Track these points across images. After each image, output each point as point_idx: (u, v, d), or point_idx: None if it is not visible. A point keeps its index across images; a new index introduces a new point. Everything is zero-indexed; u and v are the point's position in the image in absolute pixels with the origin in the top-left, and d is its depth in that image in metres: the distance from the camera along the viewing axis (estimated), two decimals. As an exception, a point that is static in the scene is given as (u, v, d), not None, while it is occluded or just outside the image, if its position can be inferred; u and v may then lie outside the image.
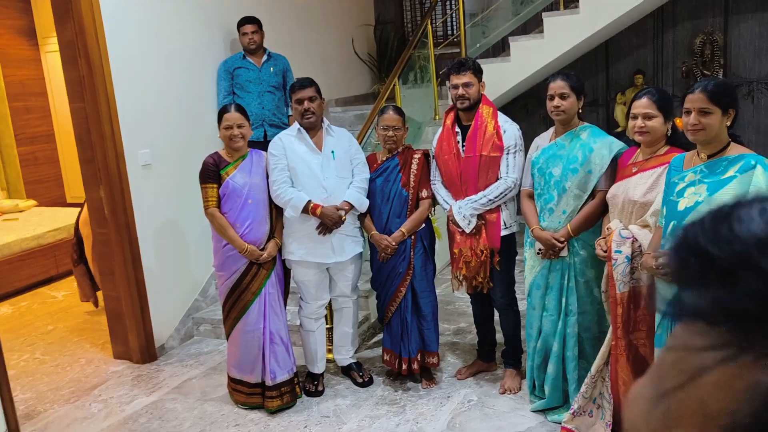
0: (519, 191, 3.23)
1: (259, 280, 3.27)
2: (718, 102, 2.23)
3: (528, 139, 3.23)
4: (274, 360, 3.33)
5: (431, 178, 3.40)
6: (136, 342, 4.05)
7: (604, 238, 2.73)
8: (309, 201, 3.23)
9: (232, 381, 3.43)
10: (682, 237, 0.35)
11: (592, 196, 2.92)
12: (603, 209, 2.89)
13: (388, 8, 6.91)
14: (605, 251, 2.70)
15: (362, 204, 3.36)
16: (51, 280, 5.87)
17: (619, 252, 2.63)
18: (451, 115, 3.31)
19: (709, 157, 2.28)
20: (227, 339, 3.42)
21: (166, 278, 4.23)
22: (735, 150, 2.26)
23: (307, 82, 3.31)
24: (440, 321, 3.73)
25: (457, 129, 3.27)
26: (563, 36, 5.09)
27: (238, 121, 3.22)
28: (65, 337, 4.61)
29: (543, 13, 5.23)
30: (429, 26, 5.31)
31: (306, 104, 3.28)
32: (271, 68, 4.66)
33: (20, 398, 3.67)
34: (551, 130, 3.09)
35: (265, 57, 4.65)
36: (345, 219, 3.30)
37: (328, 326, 3.73)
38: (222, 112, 3.27)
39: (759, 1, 5.48)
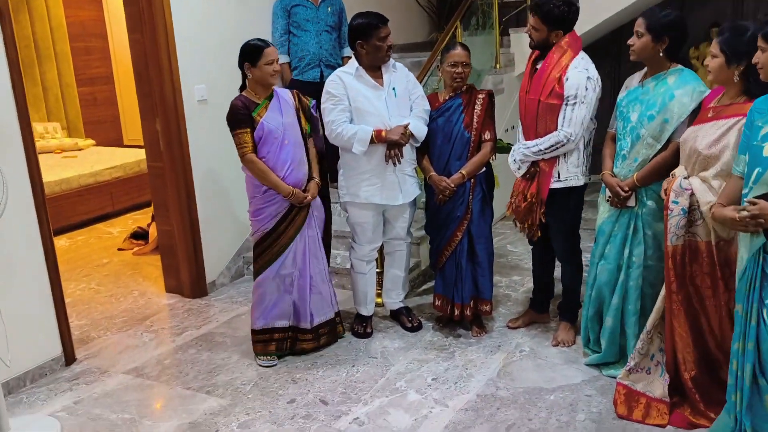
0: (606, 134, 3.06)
1: (296, 224, 3.16)
2: None
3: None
4: (315, 305, 3.25)
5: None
6: (187, 277, 4.08)
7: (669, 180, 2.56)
8: (378, 130, 3.14)
9: (256, 333, 3.25)
10: None
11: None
12: (676, 161, 2.68)
13: (450, -46, 6.65)
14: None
15: (421, 132, 3.24)
16: (107, 217, 5.99)
17: (676, 203, 2.48)
18: (536, 53, 3.15)
19: None
20: (254, 280, 3.23)
21: (218, 216, 4.23)
22: None
23: (386, 19, 3.19)
24: (493, 272, 3.61)
25: (538, 66, 3.09)
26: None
27: (277, 56, 3.08)
28: (120, 270, 4.70)
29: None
30: (494, -31, 5.07)
31: (390, 40, 3.18)
32: (329, 8, 4.54)
33: (75, 324, 3.75)
34: (644, 70, 2.85)
35: (322, -5, 4.53)
36: (409, 135, 3.18)
37: (378, 270, 3.68)
38: (259, 48, 3.02)
39: None
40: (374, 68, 3.22)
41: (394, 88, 3.23)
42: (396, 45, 5.86)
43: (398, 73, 3.28)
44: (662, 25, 2.65)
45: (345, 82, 3.20)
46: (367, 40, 3.15)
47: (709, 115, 2.45)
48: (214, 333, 3.63)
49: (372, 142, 3.14)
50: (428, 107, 3.30)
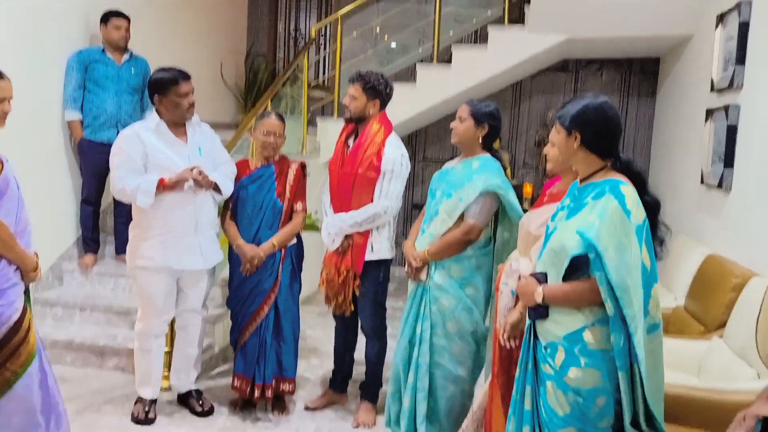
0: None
1: (29, 311, 2.34)
2: (561, 121, 2.02)
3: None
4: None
5: (324, 187, 3.24)
6: None
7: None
8: (161, 178, 2.88)
9: None
10: None
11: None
12: (465, 240, 2.78)
13: (261, 41, 6.81)
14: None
15: (227, 188, 3.08)
16: None
17: (506, 284, 2.47)
18: (350, 126, 3.19)
19: (581, 180, 2.07)
20: None
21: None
22: (607, 176, 1.99)
23: (188, 75, 3.03)
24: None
25: (350, 142, 3.16)
26: (434, 88, 5.27)
27: (11, 94, 2.39)
28: None
29: (417, 64, 5.40)
30: (305, 59, 5.24)
31: (191, 98, 3.00)
32: (132, 69, 4.29)
33: None
34: (460, 156, 2.98)
35: (126, 56, 4.28)
36: (209, 182, 2.96)
37: (166, 349, 3.32)
38: None
39: (600, 86, 6.09)
40: (177, 124, 3.04)
41: (199, 147, 3.06)
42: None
43: (204, 132, 3.14)
44: (484, 113, 2.82)
45: (142, 137, 2.95)
46: (165, 95, 2.96)
47: (545, 200, 2.52)
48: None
49: (159, 192, 2.89)
50: (235, 171, 3.17)
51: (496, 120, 2.85)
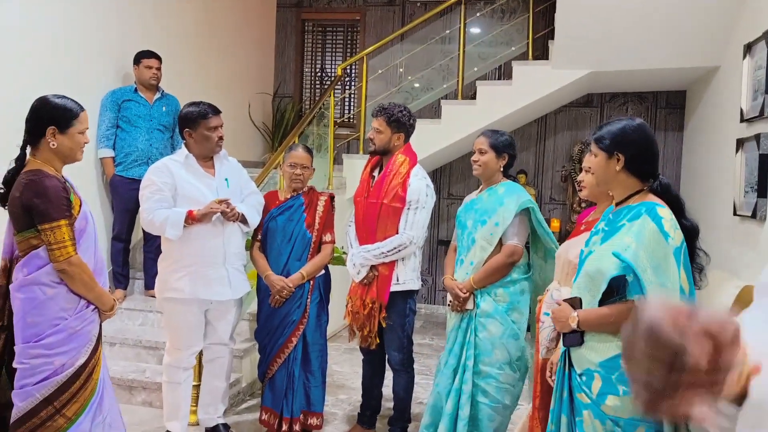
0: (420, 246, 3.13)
1: (100, 349, 2.39)
2: (600, 144, 1.97)
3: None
4: None
5: (349, 219, 3.26)
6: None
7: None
8: (189, 210, 2.89)
9: None
10: None
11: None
12: (509, 263, 2.81)
13: (287, 82, 6.94)
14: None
15: (253, 219, 3.09)
16: None
17: (547, 314, 2.42)
18: (375, 159, 3.23)
19: (617, 204, 2.02)
20: None
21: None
22: (644, 199, 1.95)
23: (218, 109, 3.09)
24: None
25: (375, 174, 3.19)
26: (458, 124, 5.31)
27: (88, 124, 2.37)
28: None
29: (442, 101, 5.46)
30: (332, 96, 5.32)
31: (221, 131, 3.05)
32: (164, 107, 4.40)
33: None
34: (480, 188, 3.03)
35: (158, 95, 4.40)
36: (236, 214, 2.95)
37: (194, 383, 3.30)
38: (72, 112, 2.28)
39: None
40: (205, 158, 3.08)
41: (226, 179, 3.10)
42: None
43: (231, 165, 3.18)
44: (503, 144, 2.89)
45: (172, 170, 2.99)
46: (195, 129, 3.01)
47: (582, 228, 2.50)
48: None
49: (187, 224, 2.89)
50: (263, 202, 3.20)
51: (513, 149, 2.95)
